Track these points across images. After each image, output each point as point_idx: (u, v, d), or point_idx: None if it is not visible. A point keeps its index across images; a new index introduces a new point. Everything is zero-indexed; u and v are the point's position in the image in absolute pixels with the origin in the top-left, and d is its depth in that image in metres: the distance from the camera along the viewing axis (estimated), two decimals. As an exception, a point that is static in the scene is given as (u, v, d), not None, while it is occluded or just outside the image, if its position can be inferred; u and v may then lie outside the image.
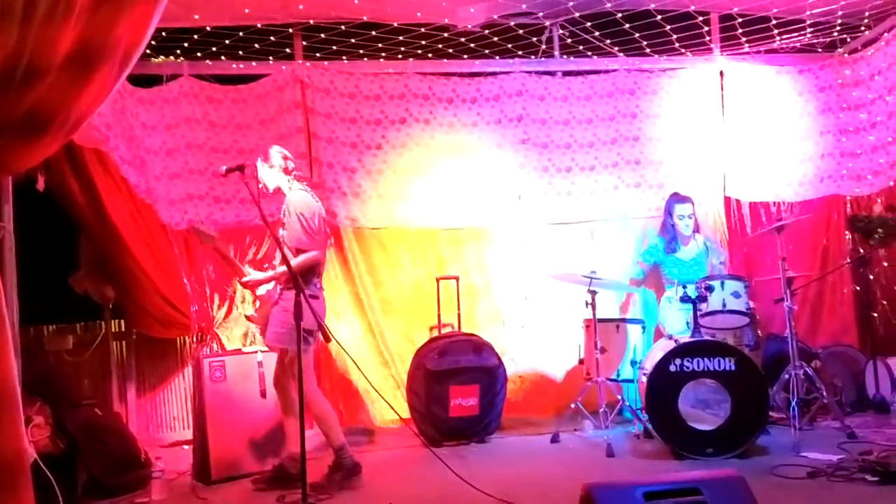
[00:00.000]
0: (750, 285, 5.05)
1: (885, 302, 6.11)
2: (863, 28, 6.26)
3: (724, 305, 4.83)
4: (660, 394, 4.51)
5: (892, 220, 3.46)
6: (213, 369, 4.68)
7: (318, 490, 3.98)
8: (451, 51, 6.23)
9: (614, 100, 6.42)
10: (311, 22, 5.85)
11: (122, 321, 5.97)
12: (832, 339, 6.21)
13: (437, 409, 5.27)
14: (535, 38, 6.28)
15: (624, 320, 5.53)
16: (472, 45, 6.19)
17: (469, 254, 6.22)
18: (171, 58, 5.84)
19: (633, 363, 5.30)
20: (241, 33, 5.72)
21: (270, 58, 6.05)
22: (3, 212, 3.32)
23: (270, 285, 4.37)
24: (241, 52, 5.95)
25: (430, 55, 6.25)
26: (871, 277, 6.15)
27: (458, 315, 5.88)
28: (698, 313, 4.82)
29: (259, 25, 5.74)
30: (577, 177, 6.34)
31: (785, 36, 6.16)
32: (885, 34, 6.01)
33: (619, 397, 5.32)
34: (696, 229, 5.86)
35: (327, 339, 3.70)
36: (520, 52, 6.39)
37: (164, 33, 5.44)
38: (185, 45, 5.75)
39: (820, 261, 6.37)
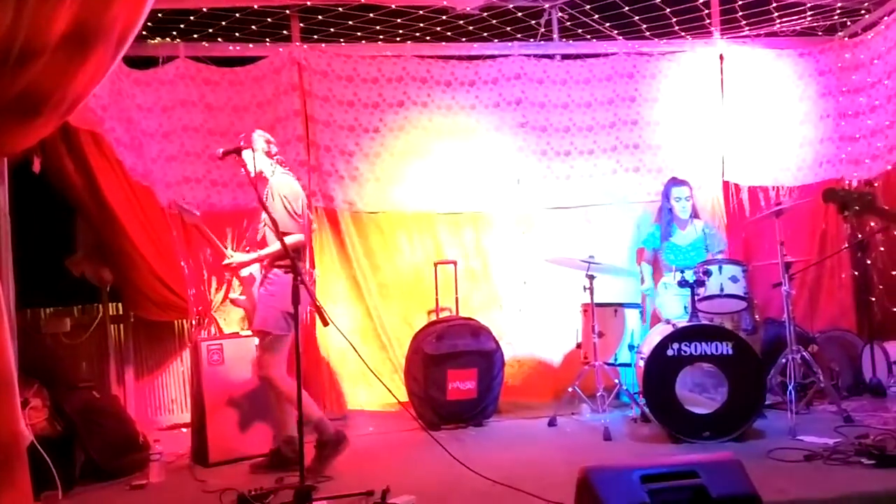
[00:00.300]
0: (748, 270, 5.05)
1: (882, 287, 6.12)
2: (863, 11, 6.22)
3: (721, 290, 4.82)
4: (657, 378, 4.51)
5: (868, 195, 3.47)
6: (211, 353, 4.68)
7: (313, 473, 3.98)
8: (449, 34, 6.19)
9: (613, 83, 6.39)
10: (309, 3, 5.80)
11: (120, 304, 5.96)
12: (830, 323, 6.22)
13: (435, 392, 5.28)
14: (533, 21, 6.24)
15: (622, 305, 5.53)
16: (471, 27, 6.15)
17: (467, 238, 6.21)
18: (168, 39, 5.80)
19: (631, 347, 5.30)
20: (237, 14, 5.68)
21: (267, 40, 6.02)
22: (-2, 194, 3.30)
23: (254, 267, 4.36)
24: (237, 35, 5.92)
25: (428, 38, 6.21)
26: (869, 262, 6.15)
27: (456, 299, 5.88)
28: (696, 298, 4.81)
29: (256, 7, 5.70)
30: (575, 161, 6.33)
31: (785, 19, 6.12)
32: (886, 18, 5.98)
33: (617, 381, 5.33)
34: (695, 215, 5.84)
35: (325, 323, 3.69)
36: (518, 36, 6.36)
37: (160, 14, 5.39)
38: (182, 26, 5.71)
39: (818, 245, 6.37)
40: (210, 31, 5.80)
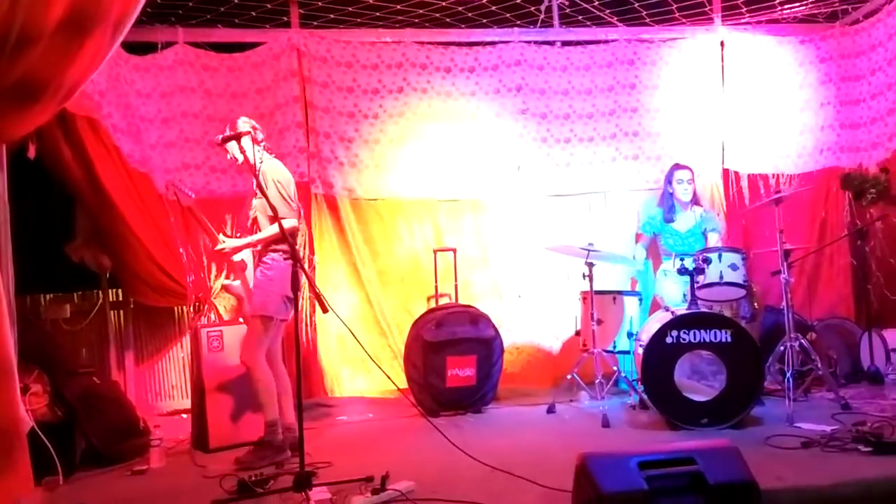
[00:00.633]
0: (747, 257, 5.05)
1: (880, 275, 6.12)
2: (864, -2, 6.20)
3: (721, 277, 4.83)
4: (656, 365, 4.52)
5: (885, 181, 3.46)
6: (211, 339, 4.69)
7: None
8: (449, 20, 6.16)
9: (613, 70, 6.37)
10: (308, -11, 5.79)
11: (120, 290, 5.96)
12: (828, 311, 6.24)
13: (435, 379, 5.29)
14: (534, 8, 6.19)
15: (621, 292, 5.54)
16: (471, 14, 6.11)
17: (467, 225, 6.20)
18: (166, 25, 5.77)
19: (630, 335, 5.31)
20: (236, 0, 5.64)
21: (267, 26, 5.98)
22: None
23: (245, 253, 4.36)
24: (236, 21, 5.88)
25: (427, 24, 6.18)
26: (868, 250, 6.15)
27: (456, 286, 5.88)
28: (695, 285, 4.82)
29: (255, -8, 5.67)
30: (575, 148, 6.31)
31: (786, 6, 6.10)
32: (886, 5, 5.95)
33: (616, 368, 5.34)
34: (696, 201, 5.84)
35: (325, 310, 3.68)
36: (518, 22, 6.32)
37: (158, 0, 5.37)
38: (180, 11, 5.67)
39: (818, 233, 6.37)
40: (208, 16, 5.76)
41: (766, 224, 5.49)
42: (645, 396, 4.87)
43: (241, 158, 4.18)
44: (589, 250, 5.17)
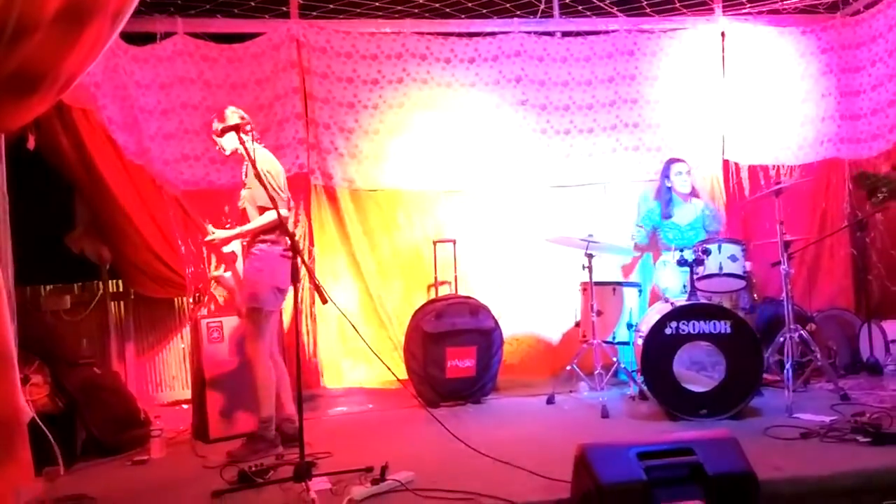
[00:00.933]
0: (747, 248, 5.05)
1: (880, 266, 6.12)
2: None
3: (720, 269, 4.83)
4: (655, 356, 4.52)
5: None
6: (211, 330, 4.70)
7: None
8: (448, 10, 6.13)
9: (614, 61, 6.35)
10: (307, -21, 5.76)
11: (120, 281, 5.97)
12: (828, 302, 6.24)
13: (434, 370, 5.30)
14: (534, -2, 6.18)
15: (620, 284, 5.54)
16: (471, 4, 6.09)
17: (466, 216, 6.20)
18: (165, 15, 5.75)
19: (629, 326, 5.32)
20: (235, -10, 5.64)
21: (266, 16, 5.96)
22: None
23: (235, 244, 4.35)
24: (236, 11, 5.86)
25: (427, 14, 6.15)
26: (868, 241, 6.15)
27: (455, 277, 5.88)
28: (695, 276, 4.82)
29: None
30: (575, 139, 6.30)
31: (788, -4, 6.08)
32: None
33: (615, 359, 5.34)
34: (695, 194, 5.83)
35: (324, 301, 3.68)
36: (518, 12, 6.29)
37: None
38: (179, 2, 5.65)
39: (818, 224, 6.37)
40: (208, 7, 5.74)
41: (767, 215, 5.48)
42: (644, 387, 4.87)
43: (228, 150, 4.21)
44: (589, 241, 5.16)
